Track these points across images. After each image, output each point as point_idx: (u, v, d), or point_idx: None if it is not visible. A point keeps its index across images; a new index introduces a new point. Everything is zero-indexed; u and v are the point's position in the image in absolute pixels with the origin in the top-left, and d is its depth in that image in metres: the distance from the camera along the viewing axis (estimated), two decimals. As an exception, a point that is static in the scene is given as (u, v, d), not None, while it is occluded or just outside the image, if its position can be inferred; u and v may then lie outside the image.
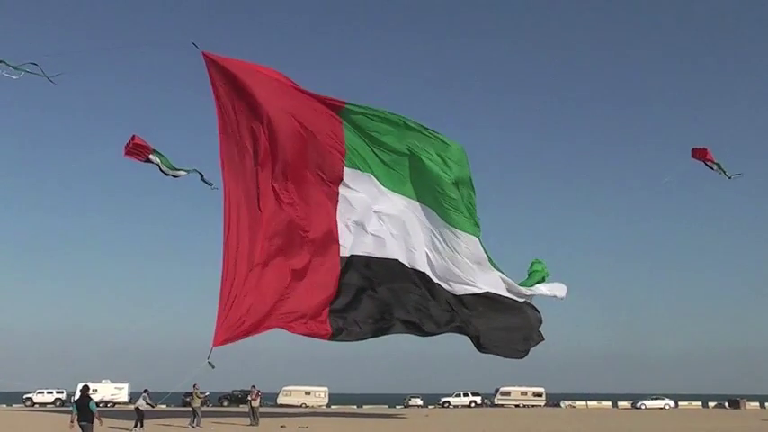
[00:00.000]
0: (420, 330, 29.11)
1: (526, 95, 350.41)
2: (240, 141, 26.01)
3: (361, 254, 28.23)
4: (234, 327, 25.24)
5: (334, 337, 27.49)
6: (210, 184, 26.25)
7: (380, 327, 28.41)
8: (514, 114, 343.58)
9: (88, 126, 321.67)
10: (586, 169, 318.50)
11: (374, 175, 28.41)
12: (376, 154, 28.28)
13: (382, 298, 28.23)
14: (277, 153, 26.48)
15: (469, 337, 29.85)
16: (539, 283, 31.24)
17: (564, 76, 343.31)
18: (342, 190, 27.93)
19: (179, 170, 25.93)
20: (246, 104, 25.95)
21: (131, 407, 48.17)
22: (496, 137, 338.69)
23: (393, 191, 28.86)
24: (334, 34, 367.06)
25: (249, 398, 43.88)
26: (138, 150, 25.12)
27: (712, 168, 25.78)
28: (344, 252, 27.86)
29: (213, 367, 23.97)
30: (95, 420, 24.25)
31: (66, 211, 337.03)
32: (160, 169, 25.45)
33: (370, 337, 28.55)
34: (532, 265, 31.85)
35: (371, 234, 28.40)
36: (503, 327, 29.79)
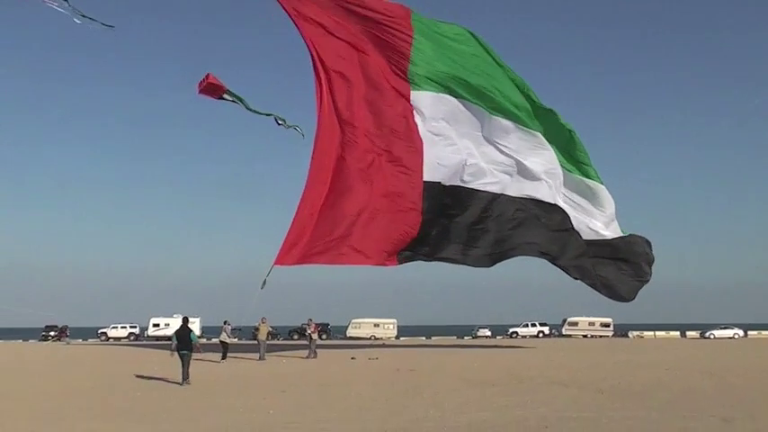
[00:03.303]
0: (552, 260, 29.63)
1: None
2: (329, 71, 26.12)
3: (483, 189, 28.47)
4: (301, 250, 25.51)
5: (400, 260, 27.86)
6: (292, 127, 26.41)
7: (496, 253, 28.84)
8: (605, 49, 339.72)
9: (155, 69, 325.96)
10: (668, 98, 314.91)
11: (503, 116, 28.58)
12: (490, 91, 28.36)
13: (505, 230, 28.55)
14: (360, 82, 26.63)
15: (590, 282, 30.36)
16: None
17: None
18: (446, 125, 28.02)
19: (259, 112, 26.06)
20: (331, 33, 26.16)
21: (203, 341, 49.33)
22: (584, 73, 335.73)
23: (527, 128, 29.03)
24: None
25: (308, 331, 44.41)
26: (212, 89, 25.43)
27: None
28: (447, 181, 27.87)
29: (262, 287, 24.52)
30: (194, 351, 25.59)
31: (136, 153, 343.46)
32: (244, 104, 25.58)
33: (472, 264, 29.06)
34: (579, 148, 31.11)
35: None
36: (622, 270, 30.22)
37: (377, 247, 26.74)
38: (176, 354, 25.37)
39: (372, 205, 26.32)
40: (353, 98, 26.65)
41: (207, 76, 25.21)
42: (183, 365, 25.09)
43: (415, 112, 27.36)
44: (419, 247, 27.78)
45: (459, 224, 28.12)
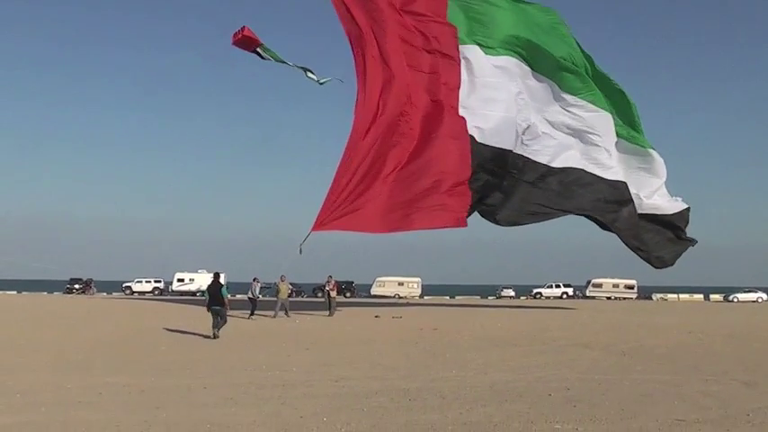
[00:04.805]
0: (602, 225, 29.74)
1: None
2: (363, 35, 25.99)
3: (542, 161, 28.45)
4: (343, 217, 25.28)
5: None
6: (328, 79, 26.03)
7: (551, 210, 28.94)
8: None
9: (178, 27, 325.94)
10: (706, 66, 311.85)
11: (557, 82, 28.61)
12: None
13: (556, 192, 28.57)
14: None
15: (642, 249, 30.36)
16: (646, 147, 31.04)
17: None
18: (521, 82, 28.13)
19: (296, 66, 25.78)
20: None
21: (228, 296, 49.32)
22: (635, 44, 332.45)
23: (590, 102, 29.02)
24: None
25: (327, 288, 44.55)
26: (247, 41, 25.27)
27: None
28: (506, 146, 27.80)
29: (300, 253, 24.46)
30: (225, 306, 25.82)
31: (164, 110, 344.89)
32: (276, 59, 25.33)
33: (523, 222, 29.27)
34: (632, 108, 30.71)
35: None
36: (669, 238, 30.28)
37: (461, 211, 26.70)
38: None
39: (460, 171, 26.22)
40: (451, 74, 26.65)
41: (243, 29, 25.13)
42: (214, 320, 25.22)
43: (503, 74, 27.50)
44: (479, 205, 27.99)
45: (518, 188, 28.26)
